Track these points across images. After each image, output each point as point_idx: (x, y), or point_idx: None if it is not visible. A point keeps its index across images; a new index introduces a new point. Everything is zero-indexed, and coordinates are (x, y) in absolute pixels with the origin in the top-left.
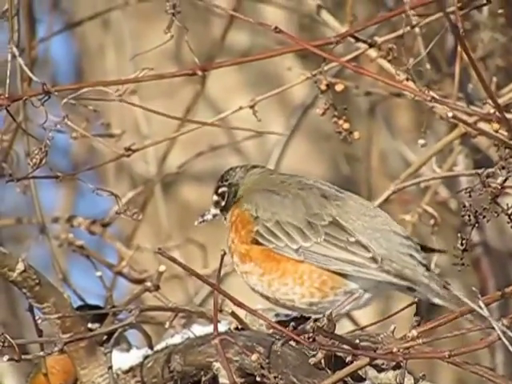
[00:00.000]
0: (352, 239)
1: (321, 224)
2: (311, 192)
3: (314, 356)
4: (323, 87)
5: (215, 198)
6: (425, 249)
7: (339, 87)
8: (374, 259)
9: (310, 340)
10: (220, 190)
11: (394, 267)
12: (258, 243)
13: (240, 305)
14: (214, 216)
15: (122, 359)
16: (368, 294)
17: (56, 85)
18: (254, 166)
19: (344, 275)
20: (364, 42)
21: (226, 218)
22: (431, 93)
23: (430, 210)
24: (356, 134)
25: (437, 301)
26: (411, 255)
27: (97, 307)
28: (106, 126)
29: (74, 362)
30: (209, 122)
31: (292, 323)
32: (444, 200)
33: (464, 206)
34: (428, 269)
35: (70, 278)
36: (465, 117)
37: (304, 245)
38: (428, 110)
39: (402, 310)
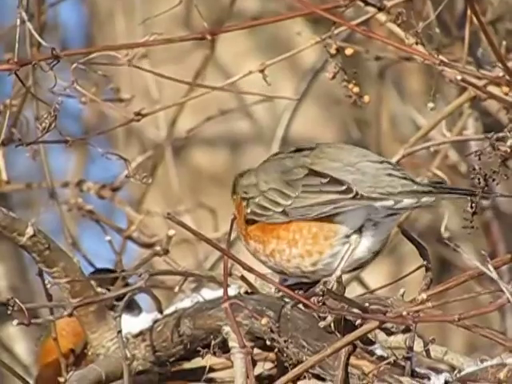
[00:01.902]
0: (325, 180)
1: (297, 178)
2: (286, 152)
3: (323, 319)
4: (333, 51)
5: None
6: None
7: (349, 51)
8: (348, 190)
9: (320, 303)
10: None
11: (372, 190)
12: (255, 222)
13: (250, 269)
14: None
15: (132, 323)
16: (365, 236)
17: (65, 50)
18: None
19: (331, 220)
20: (373, 5)
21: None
22: (440, 56)
23: (440, 173)
24: (366, 98)
25: (426, 200)
26: (389, 174)
27: (110, 271)
28: (115, 90)
29: (83, 327)
30: (218, 87)
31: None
32: (454, 163)
33: (474, 170)
34: (413, 181)
35: (80, 243)
36: (474, 80)
37: (286, 203)
38: (437, 74)
39: (412, 272)
